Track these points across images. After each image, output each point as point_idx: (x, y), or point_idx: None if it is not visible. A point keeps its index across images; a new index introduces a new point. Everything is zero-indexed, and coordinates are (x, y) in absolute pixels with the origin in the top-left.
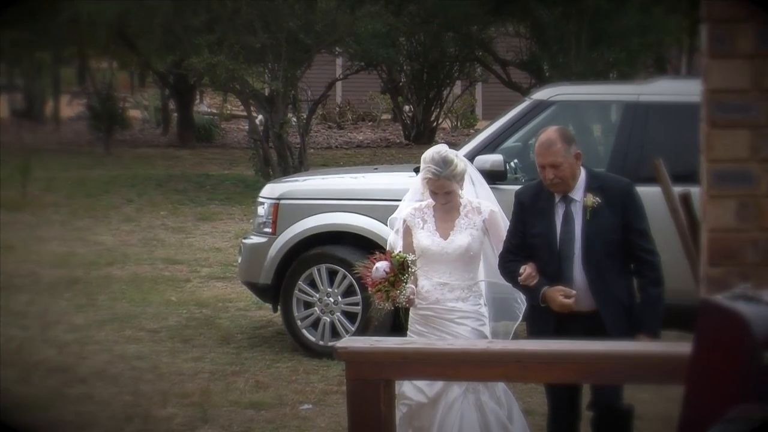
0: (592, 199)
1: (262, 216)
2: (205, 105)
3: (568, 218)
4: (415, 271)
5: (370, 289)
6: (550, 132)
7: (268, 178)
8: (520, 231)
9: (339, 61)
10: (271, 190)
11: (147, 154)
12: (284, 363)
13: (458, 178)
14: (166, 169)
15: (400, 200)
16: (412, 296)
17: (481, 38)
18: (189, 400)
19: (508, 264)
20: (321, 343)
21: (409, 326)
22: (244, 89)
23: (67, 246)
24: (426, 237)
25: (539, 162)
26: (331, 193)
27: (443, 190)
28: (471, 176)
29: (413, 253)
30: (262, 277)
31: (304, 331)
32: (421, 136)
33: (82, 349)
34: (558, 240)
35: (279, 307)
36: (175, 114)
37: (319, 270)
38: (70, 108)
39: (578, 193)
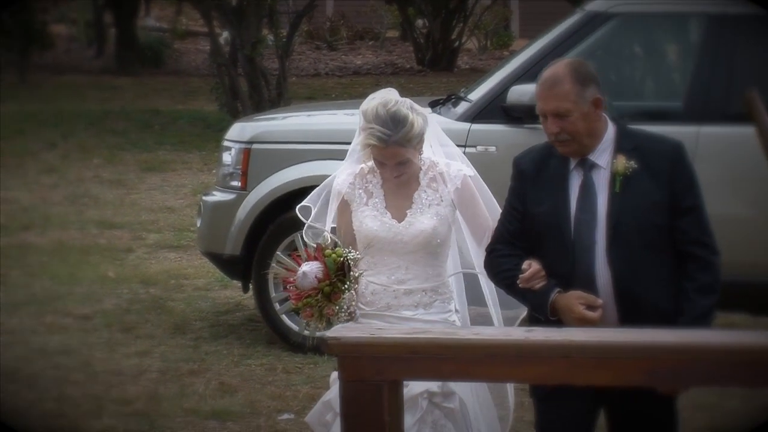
0: (625, 163)
1: (228, 165)
2: (153, 18)
3: (587, 191)
4: (359, 275)
5: (294, 302)
6: (558, 66)
7: (236, 115)
8: (518, 212)
9: None
10: (240, 131)
11: (75, 82)
12: (257, 359)
13: (415, 141)
14: (100, 102)
15: None
16: (353, 308)
17: None
18: (132, 408)
19: (501, 261)
20: (306, 332)
21: None
22: None
23: None
24: (372, 218)
25: (539, 108)
26: (320, 135)
27: (394, 160)
28: (431, 133)
29: (353, 244)
30: (228, 246)
31: (284, 318)
32: (439, 59)
33: None
34: (572, 222)
35: (251, 286)
36: (113, 30)
37: (303, 237)
38: None
39: (603, 157)
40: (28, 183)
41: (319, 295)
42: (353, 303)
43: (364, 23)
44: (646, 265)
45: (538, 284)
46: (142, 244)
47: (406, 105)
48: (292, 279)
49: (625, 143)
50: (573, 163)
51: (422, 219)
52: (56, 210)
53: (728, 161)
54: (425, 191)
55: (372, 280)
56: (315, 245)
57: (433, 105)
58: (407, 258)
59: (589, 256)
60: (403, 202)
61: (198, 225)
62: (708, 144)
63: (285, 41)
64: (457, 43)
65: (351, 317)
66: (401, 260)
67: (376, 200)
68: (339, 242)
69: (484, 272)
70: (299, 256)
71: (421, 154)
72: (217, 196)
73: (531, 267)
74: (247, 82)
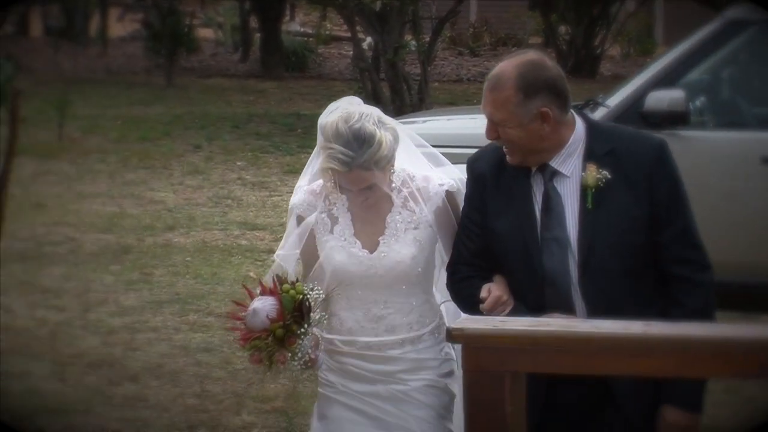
0: (596, 174)
1: None
2: (298, 23)
3: (550, 205)
4: (320, 318)
5: (241, 344)
6: (507, 66)
7: None
8: (477, 226)
9: None
10: None
11: (221, 86)
12: None
13: (384, 162)
14: (245, 106)
15: None
16: (313, 354)
17: None
18: (270, 405)
19: (461, 285)
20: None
21: (319, 376)
22: (347, 3)
23: (115, 205)
24: (339, 250)
25: (482, 108)
26: (461, 139)
27: (359, 186)
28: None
29: (320, 276)
30: None
31: None
32: (582, 66)
33: (133, 338)
34: (539, 243)
35: None
36: (258, 35)
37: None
38: (121, 25)
39: (568, 163)
40: (173, 184)
41: (270, 338)
42: (315, 347)
43: (506, 29)
44: (625, 296)
45: (504, 311)
46: None
47: (372, 119)
48: (241, 315)
49: (596, 147)
50: (533, 168)
51: (398, 248)
52: (200, 211)
53: None
54: (400, 213)
55: (346, 316)
56: (274, 278)
57: (576, 108)
58: (385, 292)
59: (563, 284)
60: (375, 228)
61: None
62: None
63: (427, 47)
64: (599, 50)
65: (309, 366)
66: (378, 294)
67: (343, 227)
68: (300, 277)
69: None
70: (253, 288)
71: (392, 173)
72: None
73: (490, 294)
74: (389, 87)
